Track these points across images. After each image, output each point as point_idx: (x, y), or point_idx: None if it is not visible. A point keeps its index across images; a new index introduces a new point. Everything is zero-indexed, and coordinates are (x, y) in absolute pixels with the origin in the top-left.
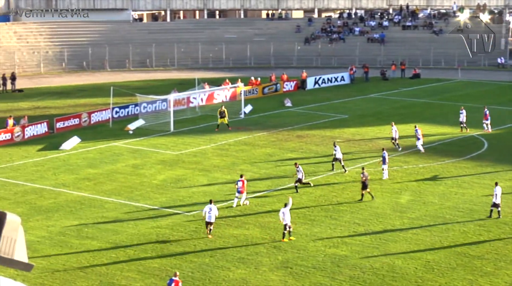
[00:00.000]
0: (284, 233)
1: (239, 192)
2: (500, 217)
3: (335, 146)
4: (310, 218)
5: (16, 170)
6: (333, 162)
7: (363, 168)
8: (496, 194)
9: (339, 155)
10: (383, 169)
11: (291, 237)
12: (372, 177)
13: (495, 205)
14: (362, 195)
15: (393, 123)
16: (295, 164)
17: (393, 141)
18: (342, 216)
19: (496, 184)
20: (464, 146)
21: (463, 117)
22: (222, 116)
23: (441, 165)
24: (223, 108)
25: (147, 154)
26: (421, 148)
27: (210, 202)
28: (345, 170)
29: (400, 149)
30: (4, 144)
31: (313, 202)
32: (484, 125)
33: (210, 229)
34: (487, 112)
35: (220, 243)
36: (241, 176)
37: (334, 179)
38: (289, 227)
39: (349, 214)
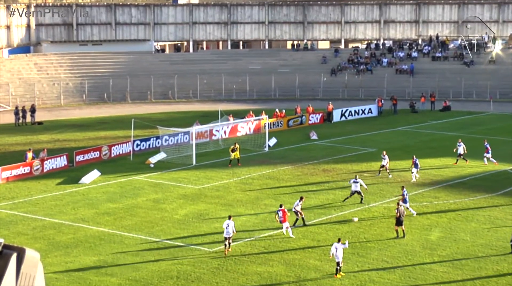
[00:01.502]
0: (336, 269)
1: (281, 222)
2: None
3: (356, 179)
4: None
5: (34, 205)
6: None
7: (398, 204)
8: None
9: (358, 188)
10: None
11: (340, 273)
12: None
13: None
14: (397, 231)
15: (385, 152)
16: (301, 198)
17: (381, 169)
18: (370, 253)
19: None
20: (497, 181)
21: (461, 149)
22: (234, 151)
23: (473, 200)
24: (237, 145)
25: (169, 188)
26: (413, 177)
27: (229, 217)
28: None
29: (391, 176)
30: (23, 177)
31: None
32: (485, 158)
33: (226, 244)
34: (488, 146)
35: (243, 280)
36: (281, 206)
37: (362, 215)
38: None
39: (377, 251)
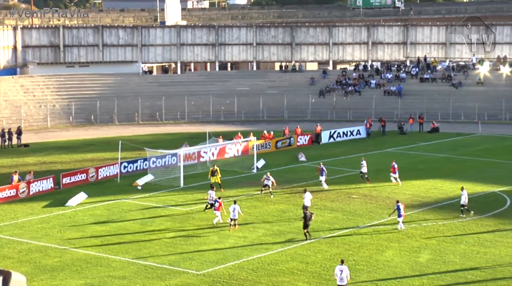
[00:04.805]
0: None
1: (216, 210)
2: None
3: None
4: (325, 277)
5: (20, 228)
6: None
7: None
8: None
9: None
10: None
11: None
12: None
13: None
14: (305, 234)
15: (269, 173)
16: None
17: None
18: (359, 275)
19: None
20: (486, 202)
21: (364, 168)
22: (214, 175)
23: (462, 222)
24: (215, 167)
25: (156, 210)
26: (324, 185)
27: (234, 202)
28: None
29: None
30: (9, 200)
31: (328, 261)
32: (392, 178)
33: (235, 224)
34: (395, 165)
35: None
36: (219, 198)
37: (351, 238)
38: None
39: (366, 274)
